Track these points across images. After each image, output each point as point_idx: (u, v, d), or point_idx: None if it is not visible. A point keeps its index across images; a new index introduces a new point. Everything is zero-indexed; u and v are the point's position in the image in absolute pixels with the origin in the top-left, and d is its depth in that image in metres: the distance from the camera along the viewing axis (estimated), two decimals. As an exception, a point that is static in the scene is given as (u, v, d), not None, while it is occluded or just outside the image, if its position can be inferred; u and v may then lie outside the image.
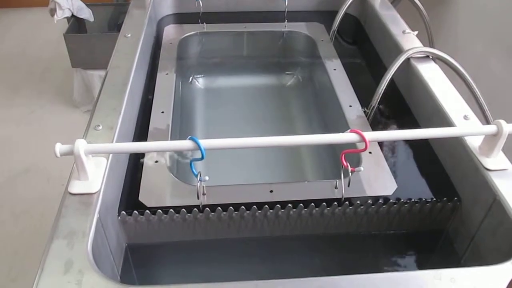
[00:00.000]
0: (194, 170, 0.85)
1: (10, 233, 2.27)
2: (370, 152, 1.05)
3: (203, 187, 0.93)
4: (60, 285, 0.67)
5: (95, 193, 0.81)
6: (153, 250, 0.97)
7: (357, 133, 0.81)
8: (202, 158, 0.80)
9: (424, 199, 0.95)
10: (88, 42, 2.75)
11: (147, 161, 1.01)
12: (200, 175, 0.86)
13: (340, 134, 0.82)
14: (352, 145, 0.90)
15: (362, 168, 0.87)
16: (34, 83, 3.39)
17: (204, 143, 0.78)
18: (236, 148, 0.79)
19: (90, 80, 2.88)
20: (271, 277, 0.73)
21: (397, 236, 1.00)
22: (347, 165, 0.89)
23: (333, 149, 1.22)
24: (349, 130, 0.84)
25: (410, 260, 0.98)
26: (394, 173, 1.00)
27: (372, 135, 0.82)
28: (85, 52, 2.74)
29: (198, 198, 0.88)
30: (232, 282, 0.68)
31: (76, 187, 0.81)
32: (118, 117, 0.98)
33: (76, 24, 2.86)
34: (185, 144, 0.79)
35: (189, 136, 0.80)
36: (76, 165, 0.80)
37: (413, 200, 0.94)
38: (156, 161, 1.01)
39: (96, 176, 0.83)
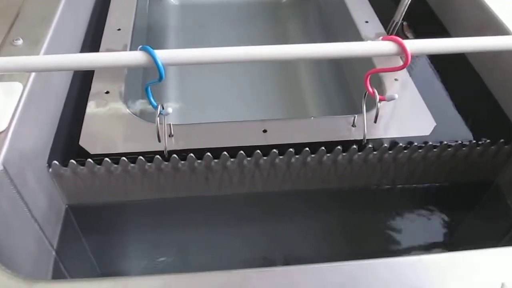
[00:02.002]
0: (152, 99, 0.58)
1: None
2: (396, 79, 0.78)
3: (170, 125, 0.67)
4: None
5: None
6: (104, 213, 0.71)
7: (394, 41, 0.54)
8: (161, 78, 0.53)
9: (474, 141, 0.69)
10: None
11: (94, 92, 0.73)
12: (162, 107, 0.59)
13: (369, 43, 0.55)
14: (369, 64, 0.63)
15: (396, 96, 0.61)
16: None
17: (163, 55, 0.50)
18: (212, 62, 0.52)
19: None
20: (264, 255, 0.62)
21: (431, 190, 0.75)
22: (374, 91, 0.62)
23: (346, 76, 0.95)
24: (381, 37, 0.57)
25: (451, 223, 0.74)
26: (431, 107, 0.73)
27: (417, 45, 0.55)
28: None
29: (159, 140, 0.61)
30: (206, 273, 0.43)
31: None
32: (48, 30, 0.69)
33: None
34: (134, 57, 0.51)
35: (141, 46, 0.52)
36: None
37: (459, 142, 0.69)
38: (107, 92, 0.73)
39: (2, 108, 0.55)
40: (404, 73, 0.78)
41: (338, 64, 0.99)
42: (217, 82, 0.98)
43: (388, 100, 0.62)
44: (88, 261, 0.69)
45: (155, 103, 0.59)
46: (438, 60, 0.83)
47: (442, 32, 0.93)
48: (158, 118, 0.60)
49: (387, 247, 0.69)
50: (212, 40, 1.12)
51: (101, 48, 0.83)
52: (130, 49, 0.82)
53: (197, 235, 0.71)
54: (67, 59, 0.51)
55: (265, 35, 1.15)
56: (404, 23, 0.94)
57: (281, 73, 1.02)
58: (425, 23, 0.95)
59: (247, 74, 1.00)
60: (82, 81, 0.75)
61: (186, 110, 0.92)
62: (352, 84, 0.92)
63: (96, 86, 0.74)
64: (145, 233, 0.71)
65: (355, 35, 0.89)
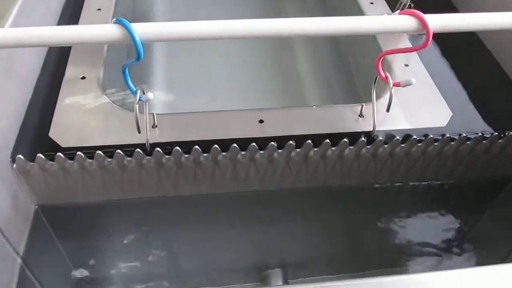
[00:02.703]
0: (130, 83, 0.50)
1: None
2: (406, 65, 0.70)
3: (153, 115, 0.58)
4: None
5: None
6: (80, 215, 0.63)
7: (413, 15, 0.46)
8: (139, 57, 0.44)
9: (495, 133, 0.61)
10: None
11: (68, 78, 0.65)
12: (143, 92, 0.51)
13: (383, 17, 0.46)
14: (375, 48, 0.55)
15: (413, 80, 0.53)
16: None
17: (141, 29, 0.42)
18: (198, 38, 0.44)
19: None
20: (259, 261, 0.58)
21: (447, 188, 0.68)
22: (387, 76, 0.54)
23: (349, 62, 0.87)
24: (398, 11, 0.49)
25: (467, 223, 0.66)
26: (446, 96, 0.66)
27: (441, 21, 0.47)
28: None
29: (139, 131, 0.53)
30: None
31: None
32: (15, 3, 0.60)
33: None
34: (106, 31, 0.43)
35: (115, 18, 0.44)
36: None
37: (479, 134, 0.61)
38: (83, 77, 0.65)
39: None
40: (415, 59, 0.71)
41: (340, 49, 0.91)
42: (208, 67, 0.90)
43: (404, 86, 0.54)
44: (62, 268, 0.61)
45: (133, 88, 0.51)
46: (451, 45, 0.75)
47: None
48: (137, 105, 0.51)
49: (399, 252, 0.62)
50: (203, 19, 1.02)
51: (78, 29, 0.74)
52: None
53: (185, 240, 0.64)
54: (19, 33, 0.42)
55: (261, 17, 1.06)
56: (412, 3, 0.86)
57: (278, 59, 0.94)
58: (435, 4, 0.87)
59: (241, 58, 0.92)
60: (55, 66, 0.66)
61: (173, 99, 0.84)
62: (355, 71, 0.84)
63: (71, 71, 0.65)
64: (126, 237, 0.63)
65: (360, 18, 0.81)
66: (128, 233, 0.63)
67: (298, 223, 0.65)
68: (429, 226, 0.68)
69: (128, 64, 0.49)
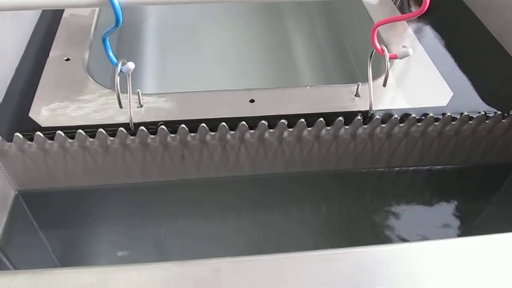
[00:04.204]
0: (111, 54, 0.47)
1: None
2: (404, 46, 0.67)
3: (138, 93, 0.56)
4: None
5: None
6: (62, 201, 0.60)
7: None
8: (117, 23, 0.42)
9: (499, 112, 0.58)
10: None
11: (53, 58, 0.62)
12: (124, 64, 0.48)
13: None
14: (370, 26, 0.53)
15: (410, 51, 0.50)
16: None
17: (118, -12, 0.40)
18: (180, 2, 0.41)
19: None
20: (251, 249, 0.54)
21: (449, 172, 0.64)
22: (383, 49, 0.52)
23: (343, 40, 0.84)
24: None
25: (471, 211, 0.63)
26: (446, 75, 0.63)
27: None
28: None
29: (120, 106, 0.50)
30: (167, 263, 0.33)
31: None
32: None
33: None
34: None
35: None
36: None
37: (482, 112, 0.58)
38: (67, 59, 0.62)
39: None
40: (412, 38, 0.68)
41: (334, 27, 0.89)
42: (200, 51, 0.87)
43: (401, 58, 0.51)
44: (42, 256, 0.57)
45: (115, 59, 0.48)
46: (449, 24, 0.72)
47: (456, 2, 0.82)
48: (118, 78, 0.49)
49: (398, 239, 0.58)
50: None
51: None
52: (100, 10, 0.71)
53: (172, 227, 0.60)
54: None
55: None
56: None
57: (271, 41, 0.91)
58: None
59: (233, 41, 0.89)
60: (40, 47, 0.64)
61: (162, 84, 0.81)
62: (351, 52, 0.81)
63: (56, 52, 0.63)
64: (110, 225, 0.60)
65: (358, 4, 0.79)
66: (111, 222, 0.59)
67: (291, 209, 0.61)
68: (429, 215, 0.64)
69: (107, 32, 0.46)
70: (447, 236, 0.59)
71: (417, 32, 0.69)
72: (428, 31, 0.70)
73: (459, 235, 0.59)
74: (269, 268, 0.37)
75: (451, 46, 0.67)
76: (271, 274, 0.36)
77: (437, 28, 0.71)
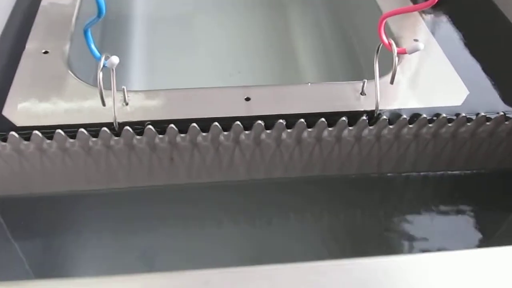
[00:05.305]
0: (93, 47, 0.43)
1: None
2: (416, 40, 0.62)
3: (124, 91, 0.51)
4: None
5: None
6: (40, 208, 0.55)
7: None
8: (100, 13, 0.38)
9: (520, 112, 0.53)
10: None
11: (29, 51, 0.57)
12: (107, 58, 0.44)
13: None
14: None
15: (421, 45, 0.45)
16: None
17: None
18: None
19: None
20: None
21: (463, 178, 0.59)
22: (391, 43, 0.47)
23: (350, 35, 0.79)
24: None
25: (487, 220, 0.58)
26: (461, 72, 0.58)
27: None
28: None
29: (103, 103, 0.45)
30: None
31: None
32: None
33: None
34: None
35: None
36: None
37: (501, 113, 0.53)
38: (46, 52, 0.57)
39: None
40: (425, 32, 0.63)
41: (339, 18, 0.84)
42: (189, 38, 0.82)
43: (410, 53, 0.47)
44: (17, 268, 0.53)
45: (97, 53, 0.44)
46: (465, 14, 0.67)
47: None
48: (101, 73, 0.44)
49: (410, 249, 0.53)
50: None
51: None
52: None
53: (161, 236, 0.55)
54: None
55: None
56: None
57: (270, 31, 0.86)
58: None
59: (231, 35, 0.84)
60: (15, 38, 0.59)
61: (152, 80, 0.76)
62: (358, 46, 0.76)
63: (33, 44, 0.58)
64: (93, 233, 0.55)
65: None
66: (94, 230, 0.55)
67: (289, 218, 0.56)
68: (443, 225, 0.59)
69: (90, 24, 0.41)
70: (465, 247, 0.54)
71: (431, 24, 0.64)
72: (443, 23, 0.65)
73: (479, 246, 0.54)
74: (262, 279, 0.34)
75: (468, 40, 0.62)
76: (265, 286, 0.34)
77: (454, 20, 0.65)
